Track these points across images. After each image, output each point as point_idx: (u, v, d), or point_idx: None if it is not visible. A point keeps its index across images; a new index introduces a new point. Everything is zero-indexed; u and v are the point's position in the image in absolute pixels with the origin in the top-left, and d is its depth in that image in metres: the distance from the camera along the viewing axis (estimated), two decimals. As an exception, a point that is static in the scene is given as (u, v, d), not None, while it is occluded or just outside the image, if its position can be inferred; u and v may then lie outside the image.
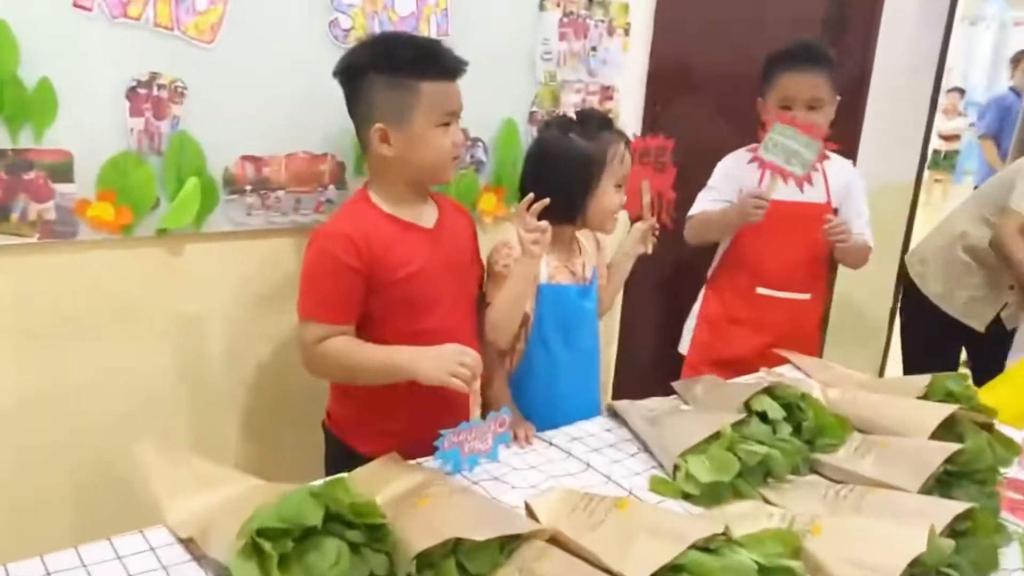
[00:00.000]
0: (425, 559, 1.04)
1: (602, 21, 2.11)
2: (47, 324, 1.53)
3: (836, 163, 2.13)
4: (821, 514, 1.23)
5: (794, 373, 1.97)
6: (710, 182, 2.14)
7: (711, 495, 1.35)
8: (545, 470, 1.44)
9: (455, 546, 1.05)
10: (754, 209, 1.92)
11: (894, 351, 3.60)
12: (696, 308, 2.27)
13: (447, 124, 1.49)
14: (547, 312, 1.67)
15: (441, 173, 1.55)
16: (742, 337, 2.14)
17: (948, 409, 1.54)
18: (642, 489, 1.39)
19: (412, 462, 1.36)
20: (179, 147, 1.56)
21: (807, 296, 2.17)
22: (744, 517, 1.24)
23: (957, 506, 1.20)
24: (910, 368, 2.50)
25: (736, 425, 1.43)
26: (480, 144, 2.00)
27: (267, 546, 0.96)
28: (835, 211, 2.10)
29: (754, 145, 2.06)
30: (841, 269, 2.42)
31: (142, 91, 1.51)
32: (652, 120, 2.37)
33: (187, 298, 1.67)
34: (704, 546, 1.05)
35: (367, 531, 1.06)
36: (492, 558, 1.07)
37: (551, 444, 1.53)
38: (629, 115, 2.27)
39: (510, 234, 1.62)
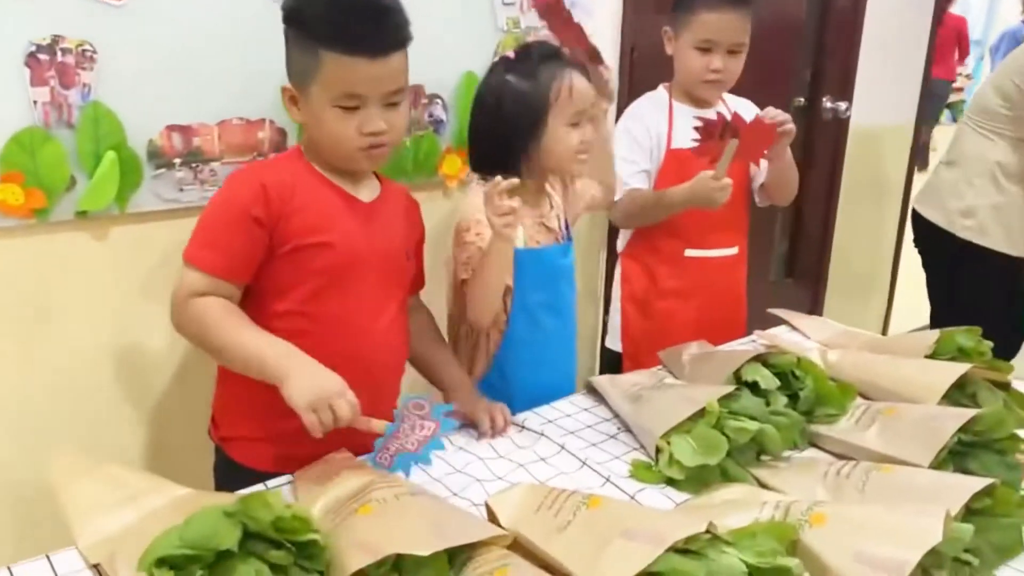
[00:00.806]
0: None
1: (568, -40, 1.93)
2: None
3: (738, 102, 1.97)
4: (822, 499, 1.09)
5: (790, 335, 1.82)
6: (620, 151, 1.85)
7: (698, 480, 1.21)
8: (514, 458, 1.30)
9: (397, 561, 0.92)
10: (721, 194, 1.68)
11: (899, 304, 3.46)
12: (616, 291, 2.02)
13: (349, 108, 1.22)
14: (528, 279, 1.51)
15: (346, 161, 1.28)
16: (675, 311, 1.93)
17: (960, 369, 1.41)
18: (621, 475, 1.25)
19: (359, 459, 1.21)
20: (93, 119, 1.40)
21: (735, 251, 1.97)
22: (734, 505, 1.10)
23: (975, 482, 1.06)
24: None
25: (724, 399, 1.28)
26: (439, 101, 1.83)
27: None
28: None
29: (651, 94, 1.93)
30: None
31: (43, 57, 1.34)
32: (631, 64, 2.19)
33: (114, 286, 1.51)
34: (685, 547, 0.91)
35: (295, 549, 0.92)
36: (440, 573, 0.93)
37: (523, 428, 1.38)
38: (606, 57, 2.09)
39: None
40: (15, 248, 1.40)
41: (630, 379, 1.51)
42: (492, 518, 1.05)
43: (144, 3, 1.41)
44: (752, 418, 1.26)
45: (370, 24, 1.19)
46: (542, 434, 1.36)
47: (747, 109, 1.93)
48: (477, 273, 1.42)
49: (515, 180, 1.33)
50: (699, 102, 1.88)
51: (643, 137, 1.86)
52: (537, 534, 1.00)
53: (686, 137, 1.77)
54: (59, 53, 1.35)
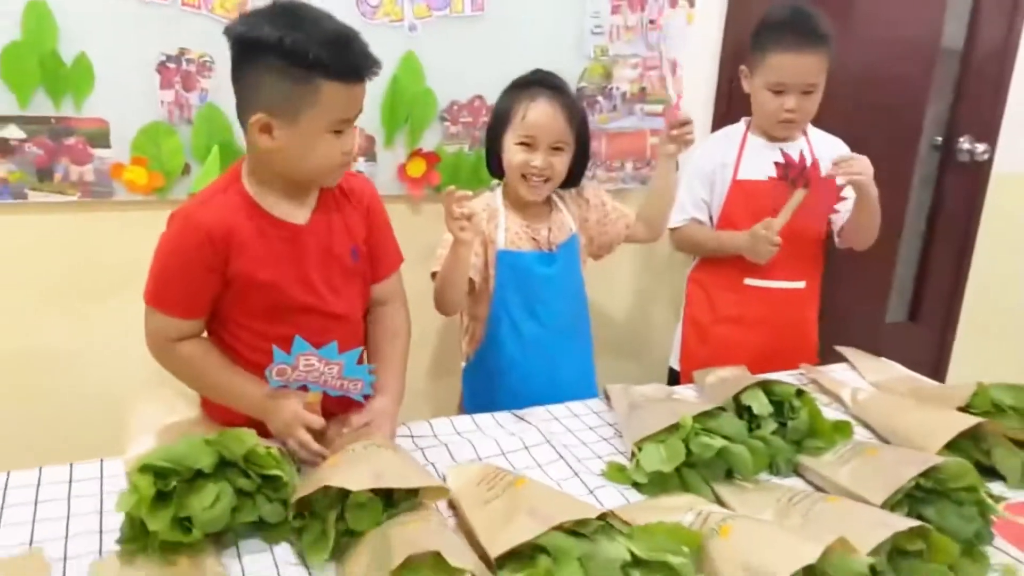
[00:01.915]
0: (308, 507, 1.09)
1: (662, -7, 2.03)
2: (88, 277, 1.72)
3: (822, 136, 1.96)
4: (737, 515, 1.14)
5: (845, 374, 1.82)
6: (684, 179, 1.94)
7: (657, 486, 1.29)
8: (503, 443, 1.43)
9: (343, 499, 1.08)
10: (766, 248, 1.77)
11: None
12: (680, 311, 2.10)
13: (340, 131, 1.29)
14: (506, 279, 1.66)
15: (323, 179, 1.36)
16: (734, 339, 1.97)
17: (967, 421, 1.39)
18: (593, 473, 1.35)
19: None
20: (207, 118, 1.69)
21: (802, 284, 1.97)
22: (666, 510, 1.18)
23: (902, 523, 1.08)
24: None
25: (704, 417, 1.35)
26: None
27: (143, 482, 1.03)
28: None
29: (730, 126, 1.96)
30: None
31: (171, 66, 1.65)
32: (728, 97, 2.24)
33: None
34: (577, 530, 1.02)
35: (261, 480, 1.12)
36: (375, 516, 1.09)
37: (521, 419, 1.51)
38: (698, 90, 2.17)
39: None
40: (137, 219, 1.72)
41: (642, 390, 1.59)
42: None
43: (257, 23, 1.69)
44: (726, 437, 1.32)
45: (359, 53, 1.26)
46: (538, 429, 1.48)
47: (831, 146, 1.95)
48: (442, 268, 1.58)
49: (468, 192, 1.47)
50: (775, 138, 1.93)
51: (707, 166, 1.93)
52: (467, 503, 1.14)
53: (755, 169, 1.83)
54: (184, 63, 1.65)
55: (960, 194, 2.73)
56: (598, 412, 1.58)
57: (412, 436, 1.44)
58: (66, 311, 1.75)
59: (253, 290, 1.34)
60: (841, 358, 1.88)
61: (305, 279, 1.37)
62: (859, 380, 1.78)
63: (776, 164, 1.74)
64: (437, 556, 0.94)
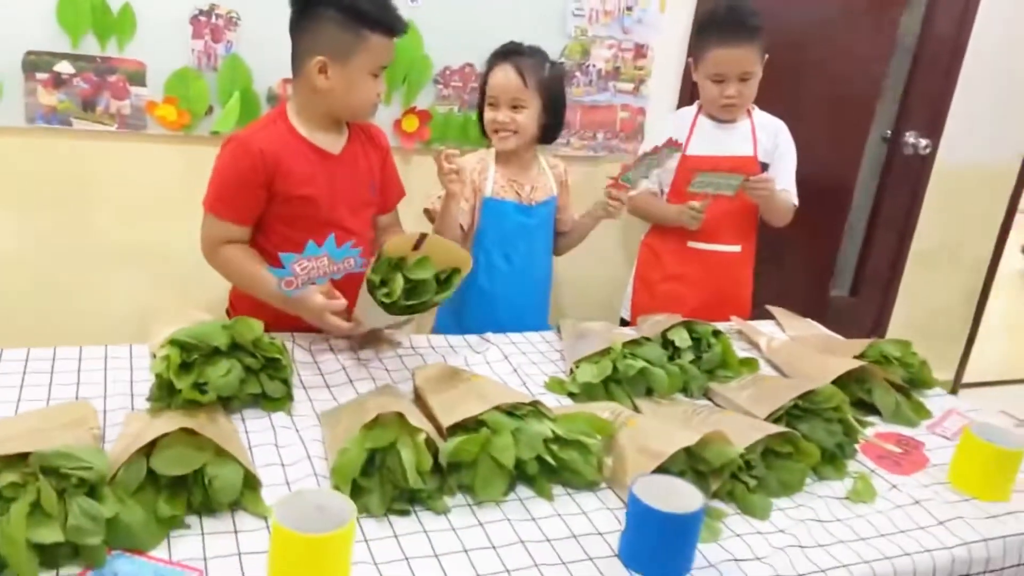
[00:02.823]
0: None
1: (639, -19, 2.28)
2: (125, 197, 1.98)
3: (765, 118, 2.21)
4: (646, 415, 1.42)
5: (768, 328, 2.09)
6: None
7: (587, 395, 1.56)
8: (469, 359, 1.70)
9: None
10: (692, 220, 2.08)
11: (983, 342, 3.51)
12: (633, 270, 2.37)
13: (377, 76, 1.63)
14: (488, 224, 1.96)
15: (363, 115, 1.70)
16: (678, 294, 2.23)
17: (852, 364, 1.66)
18: (538, 385, 1.62)
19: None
20: (231, 67, 1.95)
21: (737, 248, 2.25)
22: (591, 410, 1.45)
23: (773, 429, 1.36)
24: None
25: (632, 344, 1.63)
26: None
27: (172, 351, 1.30)
28: (763, 166, 2.18)
29: (685, 108, 2.23)
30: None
31: (203, 19, 1.90)
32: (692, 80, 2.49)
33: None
34: (512, 411, 1.29)
35: (265, 361, 1.39)
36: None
37: (486, 340, 1.79)
38: (667, 75, 2.42)
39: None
40: (166, 151, 1.98)
41: (589, 326, 1.86)
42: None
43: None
44: (648, 361, 1.60)
45: (397, 17, 1.62)
46: (497, 346, 1.75)
47: (774, 127, 2.21)
48: (438, 216, 1.87)
49: (455, 151, 1.74)
50: (722, 120, 2.19)
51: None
52: (429, 389, 1.41)
53: (702, 146, 2.09)
54: (214, 17, 1.90)
55: (904, 185, 2.99)
56: (550, 342, 1.85)
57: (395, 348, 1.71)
58: (113, 224, 2.03)
59: (291, 203, 1.64)
60: (772, 317, 2.16)
61: (333, 197, 1.68)
62: (779, 333, 2.06)
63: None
64: (401, 418, 1.21)
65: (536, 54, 1.95)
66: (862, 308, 3.15)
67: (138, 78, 1.89)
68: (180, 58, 1.92)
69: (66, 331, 2.01)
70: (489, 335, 1.81)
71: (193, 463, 1.09)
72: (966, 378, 3.58)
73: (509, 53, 1.92)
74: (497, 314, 1.96)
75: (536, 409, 1.31)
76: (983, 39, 2.86)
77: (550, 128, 2.00)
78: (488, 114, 1.95)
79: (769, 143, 2.20)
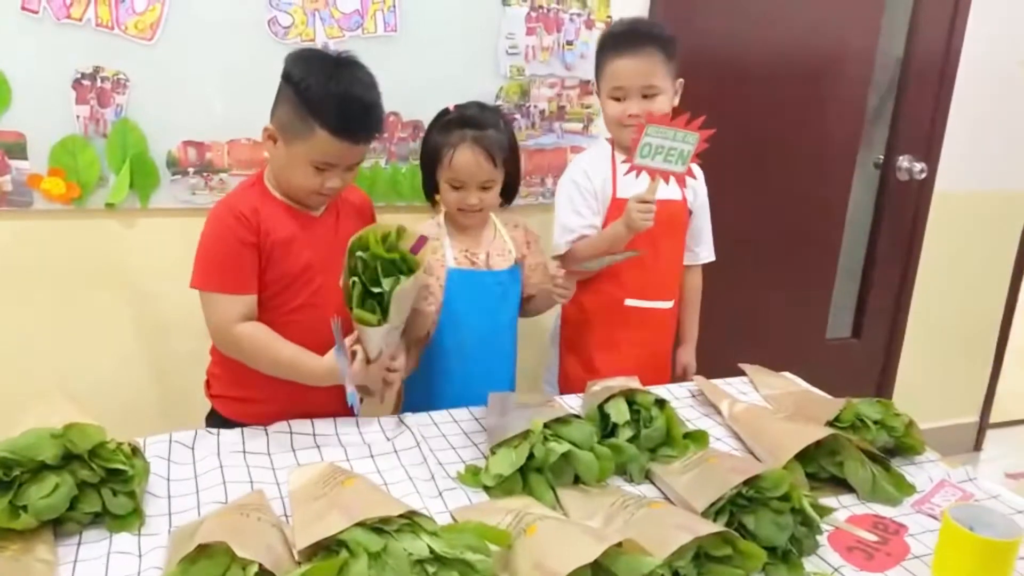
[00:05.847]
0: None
1: (579, 14, 2.09)
2: (12, 281, 1.82)
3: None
4: (593, 525, 1.20)
5: (740, 387, 1.86)
6: (570, 205, 1.91)
7: (503, 489, 1.34)
8: (375, 447, 1.49)
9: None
10: (642, 216, 1.72)
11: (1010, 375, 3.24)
12: (554, 335, 2.08)
13: (323, 170, 1.52)
14: (450, 293, 1.77)
15: (302, 199, 1.59)
16: (613, 361, 1.92)
17: (818, 434, 1.43)
18: (449, 477, 1.40)
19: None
20: (122, 132, 1.78)
21: (670, 304, 1.98)
22: (495, 511, 1.23)
23: (706, 528, 1.13)
24: None
25: (556, 424, 1.41)
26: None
27: (-16, 473, 1.11)
28: (690, 213, 1.97)
29: (594, 147, 1.99)
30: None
31: (86, 83, 1.74)
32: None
33: (138, 265, 1.91)
34: (381, 527, 1.08)
35: (106, 473, 1.19)
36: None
37: (401, 423, 1.58)
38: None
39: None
40: (56, 227, 1.81)
41: (523, 399, 1.65)
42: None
43: (171, 43, 1.78)
44: (574, 443, 1.37)
45: (361, 119, 1.50)
46: (417, 432, 1.54)
47: (695, 169, 1.93)
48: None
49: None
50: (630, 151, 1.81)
51: (589, 186, 1.90)
52: (297, 500, 1.21)
53: (629, 187, 1.81)
54: (99, 80, 1.74)
55: (901, 212, 2.75)
56: (479, 419, 1.63)
57: (314, 434, 1.52)
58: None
59: (279, 266, 1.55)
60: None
61: (323, 262, 1.58)
62: (744, 393, 1.82)
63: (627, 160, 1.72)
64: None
65: (491, 117, 1.77)
66: (867, 350, 2.89)
67: (17, 150, 1.73)
68: (64, 126, 1.75)
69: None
70: (407, 415, 1.61)
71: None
72: (993, 417, 3.28)
73: (467, 126, 1.72)
74: (469, 382, 1.78)
75: (412, 522, 1.10)
76: (974, 53, 2.64)
77: (509, 188, 1.83)
78: (452, 195, 1.75)
79: (693, 183, 1.92)
